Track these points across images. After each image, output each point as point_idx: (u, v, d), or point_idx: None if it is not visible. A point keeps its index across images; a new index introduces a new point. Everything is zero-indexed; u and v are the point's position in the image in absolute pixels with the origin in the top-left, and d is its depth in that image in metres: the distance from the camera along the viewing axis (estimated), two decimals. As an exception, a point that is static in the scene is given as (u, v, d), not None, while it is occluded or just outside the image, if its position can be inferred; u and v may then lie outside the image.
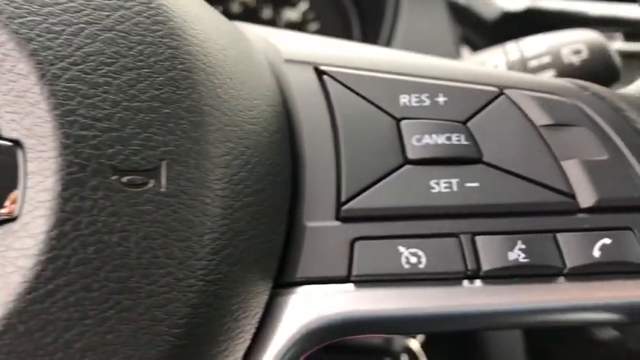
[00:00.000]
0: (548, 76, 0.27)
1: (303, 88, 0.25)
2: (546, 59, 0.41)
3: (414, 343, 0.52)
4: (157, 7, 0.20)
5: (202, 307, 0.19)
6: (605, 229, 0.23)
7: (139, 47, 0.19)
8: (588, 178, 0.23)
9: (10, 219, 0.17)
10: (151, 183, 0.18)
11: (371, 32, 0.75)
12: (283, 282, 0.23)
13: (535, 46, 0.42)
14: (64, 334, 0.16)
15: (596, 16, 0.70)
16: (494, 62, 0.43)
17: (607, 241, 0.22)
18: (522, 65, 0.42)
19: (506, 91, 0.25)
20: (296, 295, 0.22)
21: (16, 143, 0.17)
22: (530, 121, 0.24)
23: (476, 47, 0.72)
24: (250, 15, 0.81)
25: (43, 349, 0.16)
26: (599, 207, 0.23)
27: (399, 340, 0.52)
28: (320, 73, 0.25)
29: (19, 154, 0.17)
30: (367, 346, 0.55)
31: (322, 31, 0.82)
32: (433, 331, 0.49)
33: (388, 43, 0.70)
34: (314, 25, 0.82)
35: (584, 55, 0.41)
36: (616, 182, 0.23)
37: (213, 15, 0.24)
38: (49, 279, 0.16)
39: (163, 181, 0.18)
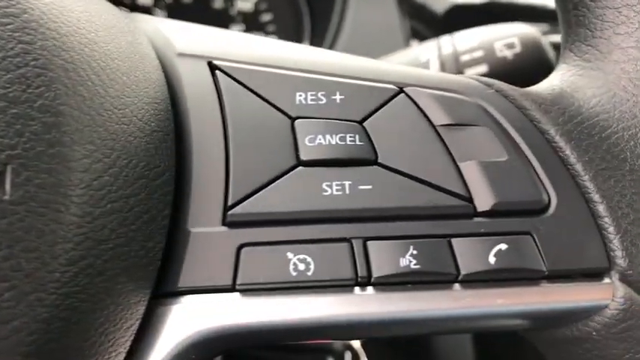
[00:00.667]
0: (458, 74, 0.26)
1: (194, 84, 0.24)
2: (479, 53, 0.41)
3: (355, 342, 0.52)
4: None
5: (56, 322, 0.17)
6: (502, 234, 0.22)
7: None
8: (486, 180, 0.22)
9: None
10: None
11: (321, 23, 0.74)
12: (165, 291, 0.21)
13: (468, 40, 0.41)
14: None
15: (548, 8, 0.70)
16: (427, 56, 0.42)
17: (503, 246, 0.22)
18: (455, 59, 0.41)
19: (405, 89, 0.24)
20: (178, 306, 0.21)
21: None
22: (429, 120, 0.23)
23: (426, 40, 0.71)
24: (202, 5, 0.79)
25: None
26: (496, 211, 0.22)
27: (339, 339, 0.51)
28: (213, 68, 0.24)
29: None
30: (310, 344, 0.54)
31: (275, 21, 0.81)
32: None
33: (336, 34, 0.69)
34: (267, 16, 0.80)
35: (518, 49, 0.40)
36: (515, 185, 0.22)
37: (94, 4, 0.23)
38: None
39: (7, 187, 0.17)
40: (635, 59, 0.23)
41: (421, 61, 0.42)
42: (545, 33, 0.67)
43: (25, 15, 0.18)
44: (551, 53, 0.42)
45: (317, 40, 0.74)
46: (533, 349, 0.26)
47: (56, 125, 0.18)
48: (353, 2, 0.68)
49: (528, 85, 0.40)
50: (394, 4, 0.68)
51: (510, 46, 0.40)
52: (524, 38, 0.40)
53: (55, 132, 0.18)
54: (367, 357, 0.51)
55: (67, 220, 0.18)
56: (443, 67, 0.41)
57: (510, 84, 0.36)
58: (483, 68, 0.40)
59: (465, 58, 0.41)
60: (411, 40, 0.70)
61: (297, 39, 0.78)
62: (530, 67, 0.40)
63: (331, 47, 0.67)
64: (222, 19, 0.80)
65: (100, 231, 0.19)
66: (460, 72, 0.41)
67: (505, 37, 0.41)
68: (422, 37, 0.71)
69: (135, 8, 0.78)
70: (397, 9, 0.68)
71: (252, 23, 0.81)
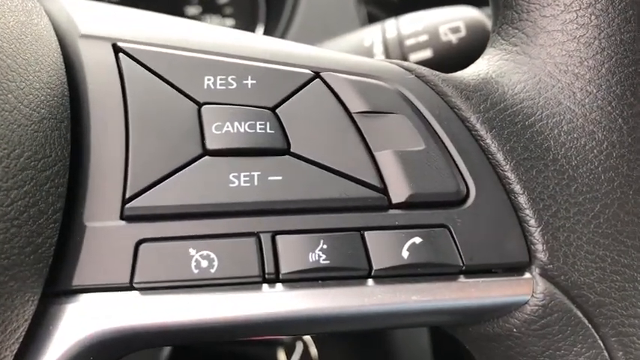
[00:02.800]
0: (374, 59, 0.25)
1: (96, 67, 0.22)
2: (423, 37, 0.39)
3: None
4: None
5: None
6: (417, 227, 0.21)
7: None
8: (402, 170, 0.21)
9: None
10: None
11: (276, 6, 0.72)
12: (58, 290, 0.20)
13: (413, 24, 0.40)
14: None
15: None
16: (370, 39, 0.41)
17: (418, 240, 0.20)
18: (399, 43, 0.40)
19: (321, 73, 0.22)
20: (73, 305, 0.20)
21: None
22: (345, 107, 0.22)
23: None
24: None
25: None
26: (411, 203, 0.21)
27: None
28: (118, 50, 0.22)
29: None
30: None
31: (232, 4, 0.79)
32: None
33: (291, 17, 0.67)
34: (224, -3, 0.78)
35: (462, 33, 0.39)
36: (432, 175, 0.21)
37: None
38: None
39: None
40: (561, 43, 0.22)
41: (365, 45, 0.41)
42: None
43: None
44: (497, 38, 0.40)
45: (272, 23, 0.73)
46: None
47: None
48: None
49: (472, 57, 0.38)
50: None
51: (455, 30, 0.39)
52: (470, 22, 0.39)
53: None
54: (316, 347, 0.50)
55: None
56: (387, 51, 0.40)
57: (455, 68, 0.34)
58: (428, 53, 0.39)
59: (409, 42, 0.40)
60: (367, 25, 0.68)
61: (252, 21, 0.76)
62: (475, 51, 0.39)
63: (285, 30, 0.65)
64: (178, 1, 0.78)
65: (16, 238, 0.17)
66: (405, 56, 0.40)
67: (450, 21, 0.39)
68: (376, 19, 0.70)
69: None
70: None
71: (208, 5, 0.79)
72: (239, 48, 0.23)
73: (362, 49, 0.41)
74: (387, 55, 0.40)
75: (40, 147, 0.19)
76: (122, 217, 0.20)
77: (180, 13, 0.77)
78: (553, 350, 0.21)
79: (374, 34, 0.41)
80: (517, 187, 0.21)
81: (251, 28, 0.76)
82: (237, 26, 0.79)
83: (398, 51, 0.40)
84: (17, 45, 0.20)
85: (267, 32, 0.73)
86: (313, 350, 0.50)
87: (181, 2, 0.78)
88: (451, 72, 0.34)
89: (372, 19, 0.69)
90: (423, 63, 0.39)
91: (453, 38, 0.39)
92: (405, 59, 0.40)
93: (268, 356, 0.53)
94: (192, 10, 0.78)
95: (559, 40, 0.22)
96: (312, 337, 0.50)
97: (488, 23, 0.40)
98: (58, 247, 0.20)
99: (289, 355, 0.52)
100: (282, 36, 0.65)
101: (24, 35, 0.21)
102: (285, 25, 0.65)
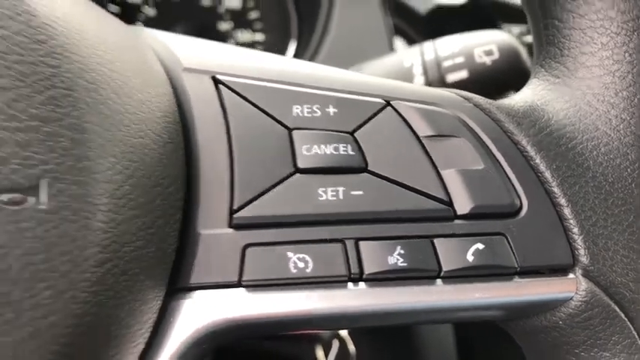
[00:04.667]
0: (437, 88, 0.29)
1: (199, 97, 0.26)
2: (460, 59, 0.43)
3: (343, 331, 0.55)
4: (38, 26, 0.20)
5: (87, 317, 0.20)
6: (479, 235, 0.24)
7: (18, 67, 0.19)
8: (465, 186, 0.25)
9: None
10: (31, 200, 0.19)
11: (308, 22, 0.76)
12: (178, 287, 0.24)
13: (449, 46, 0.44)
14: None
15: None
16: (410, 61, 0.44)
17: (480, 246, 0.24)
18: (437, 65, 0.44)
19: (392, 102, 0.26)
20: (190, 300, 0.23)
21: None
22: (414, 132, 0.26)
23: (410, 39, 0.73)
24: (190, 2, 0.80)
25: None
26: (474, 214, 0.25)
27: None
28: (217, 82, 0.26)
29: None
30: (300, 333, 0.57)
31: (262, 19, 0.82)
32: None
33: (323, 33, 0.71)
34: (254, 14, 0.82)
35: (496, 55, 0.43)
36: (490, 190, 0.25)
37: (104, 24, 0.25)
38: None
39: (44, 198, 0.19)
40: (598, 76, 0.26)
41: (405, 66, 0.44)
42: (524, 34, 0.70)
43: (53, 41, 0.20)
44: (527, 59, 0.44)
45: (304, 38, 0.76)
46: (509, 337, 0.29)
47: (82, 142, 0.20)
48: (339, 2, 0.70)
49: (506, 89, 0.42)
50: (378, 4, 0.70)
51: (489, 52, 0.43)
52: (502, 45, 0.43)
53: (81, 148, 0.20)
54: (354, 344, 0.53)
55: (95, 226, 0.20)
56: (426, 72, 0.44)
57: (489, 88, 0.38)
58: (464, 74, 0.43)
59: (446, 63, 0.43)
60: (394, 38, 0.72)
61: (284, 37, 0.80)
62: (507, 72, 0.43)
63: (318, 46, 0.69)
64: (210, 17, 0.81)
65: (123, 235, 0.21)
66: (442, 77, 0.43)
67: (484, 45, 0.43)
68: (405, 35, 0.74)
69: (124, 5, 0.79)
70: (381, 8, 0.70)
71: (239, 21, 0.82)
72: (321, 80, 0.27)
73: (402, 69, 0.44)
74: (426, 75, 0.44)
75: (165, 167, 0.23)
76: (230, 226, 0.24)
77: (213, 28, 0.81)
78: (594, 340, 0.25)
79: (413, 56, 0.44)
80: (562, 201, 0.25)
81: (283, 43, 0.79)
82: (267, 41, 0.82)
83: (436, 72, 0.43)
84: (141, 80, 0.24)
85: (299, 47, 0.77)
86: (351, 347, 0.54)
87: (214, 18, 0.82)
88: (486, 90, 0.38)
89: (397, 30, 0.73)
90: (460, 83, 0.43)
91: (487, 60, 0.43)
92: (443, 79, 0.43)
93: (307, 353, 0.56)
94: (225, 25, 0.82)
95: (597, 74, 0.26)
96: (349, 334, 0.54)
97: (519, 46, 0.44)
98: (177, 252, 0.24)
99: (327, 351, 0.55)
100: (316, 50, 0.69)
101: (144, 71, 0.25)
102: (318, 41, 0.69)
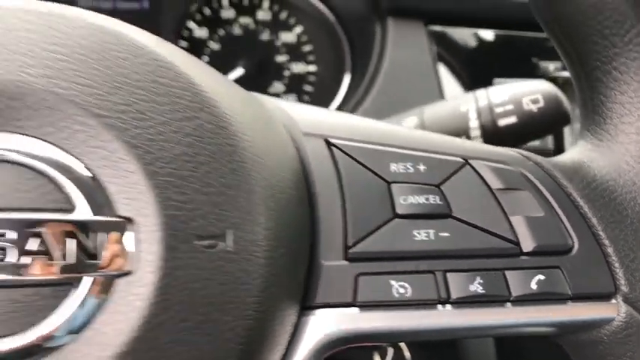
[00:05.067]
0: (503, 148, 0.35)
1: (317, 157, 0.33)
2: (509, 107, 0.50)
3: (400, 340, 0.61)
4: (220, 115, 0.27)
5: (255, 329, 0.27)
6: (540, 268, 0.31)
7: (210, 147, 0.27)
8: (529, 229, 0.32)
9: (129, 273, 0.25)
10: (222, 245, 0.26)
11: (361, 56, 0.83)
12: (306, 306, 0.31)
13: (500, 95, 0.51)
14: (169, 351, 0.25)
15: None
16: (466, 107, 0.51)
17: (541, 277, 0.31)
18: (490, 110, 0.50)
19: (470, 161, 0.33)
20: (315, 317, 0.31)
21: (129, 220, 0.25)
22: (488, 185, 0.32)
23: (451, 66, 0.79)
24: (251, 37, 0.88)
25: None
26: (536, 251, 0.31)
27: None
28: (329, 144, 0.33)
29: (132, 227, 0.25)
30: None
31: (315, 53, 0.90)
32: (415, 340, 0.58)
33: (377, 68, 0.77)
34: (308, 47, 0.89)
35: (541, 104, 0.49)
36: (549, 233, 0.32)
37: (249, 102, 0.32)
38: (157, 315, 0.24)
39: (230, 243, 0.26)
40: (635, 142, 0.33)
41: (462, 110, 0.51)
42: (558, 69, 0.76)
43: (232, 127, 0.28)
44: (567, 105, 0.51)
45: (358, 72, 0.83)
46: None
47: (253, 201, 0.27)
48: (390, 39, 0.77)
49: (550, 131, 0.49)
50: (426, 39, 0.77)
51: (535, 101, 0.49)
52: (547, 95, 0.50)
53: (252, 205, 0.27)
54: (410, 352, 0.60)
55: (261, 262, 0.27)
56: (480, 117, 0.51)
57: (535, 130, 0.45)
58: (513, 119, 0.50)
59: (498, 110, 0.50)
60: (438, 66, 0.78)
61: (339, 69, 0.87)
62: (551, 117, 0.49)
63: (373, 77, 0.76)
64: (268, 50, 0.89)
65: (276, 268, 0.28)
66: (494, 121, 0.50)
67: (531, 94, 0.50)
68: (448, 64, 0.80)
69: (191, 41, 0.87)
70: (428, 42, 0.77)
71: (294, 54, 0.90)
72: (412, 141, 0.34)
73: (460, 113, 0.51)
74: (480, 119, 0.50)
75: (299, 215, 0.30)
76: (345, 259, 0.31)
77: (271, 61, 0.89)
78: (632, 352, 0.31)
79: (468, 102, 0.51)
80: (606, 242, 0.32)
81: (338, 76, 0.87)
82: (320, 72, 0.90)
83: (489, 117, 0.50)
84: (279, 147, 0.31)
85: (353, 80, 0.84)
86: (407, 354, 0.60)
87: (272, 51, 0.89)
88: (533, 132, 0.45)
89: (440, 57, 0.78)
90: (510, 126, 0.49)
91: (534, 107, 0.49)
92: (495, 123, 0.50)
93: (365, 359, 0.63)
94: (281, 58, 0.89)
95: (634, 139, 0.33)
96: (405, 343, 0.61)
97: (561, 95, 0.51)
98: (306, 278, 0.31)
99: (383, 357, 0.62)
100: (371, 83, 0.75)
101: (278, 137, 0.32)
102: (372, 74, 0.76)
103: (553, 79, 0.69)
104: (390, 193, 0.32)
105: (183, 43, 0.85)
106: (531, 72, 0.74)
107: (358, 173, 0.33)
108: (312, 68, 0.90)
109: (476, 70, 0.75)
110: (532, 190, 0.33)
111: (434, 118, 0.52)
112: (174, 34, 0.84)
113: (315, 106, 0.37)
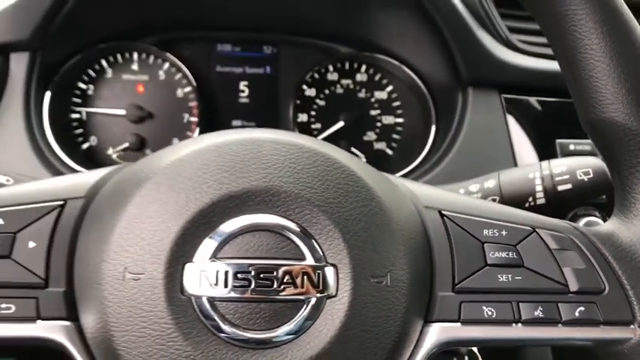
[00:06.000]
0: (557, 220, 0.52)
1: (434, 223, 0.50)
2: (566, 176, 0.66)
3: (475, 348, 0.78)
4: (381, 203, 0.46)
5: (399, 334, 0.45)
6: (582, 302, 0.48)
7: (377, 221, 0.45)
8: (574, 277, 0.48)
9: (334, 296, 0.43)
10: (385, 281, 0.44)
11: (444, 111, 1.00)
12: (427, 321, 0.48)
13: (560, 166, 0.67)
14: (353, 342, 0.43)
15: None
16: (533, 174, 0.68)
17: (582, 308, 0.47)
18: (551, 178, 0.67)
19: (536, 229, 0.50)
20: (432, 328, 0.48)
21: (334, 265, 0.44)
22: (547, 246, 0.49)
23: (522, 125, 0.95)
24: (350, 95, 1.07)
25: None
26: (579, 291, 0.48)
27: (463, 346, 0.79)
28: (442, 215, 0.51)
29: (336, 269, 0.44)
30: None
31: (403, 108, 1.07)
32: (497, 347, 0.75)
33: (459, 125, 0.94)
34: (397, 103, 1.07)
35: (591, 175, 0.66)
36: (588, 279, 0.48)
37: (392, 187, 0.50)
38: (347, 323, 0.43)
39: (388, 280, 0.44)
40: None
41: (529, 177, 0.68)
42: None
43: (385, 205, 0.46)
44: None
45: (443, 123, 1.00)
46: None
47: (400, 255, 0.45)
48: (470, 105, 0.93)
49: (599, 195, 0.66)
50: (500, 105, 0.93)
51: (586, 173, 0.66)
52: (596, 169, 0.66)
53: (400, 257, 0.45)
54: (481, 357, 0.77)
55: (404, 292, 0.45)
56: (543, 182, 0.67)
57: (587, 195, 0.62)
58: (569, 186, 0.66)
59: (557, 178, 0.66)
60: (509, 125, 0.94)
61: (425, 122, 1.05)
62: (599, 186, 0.65)
63: (454, 137, 0.92)
64: (364, 105, 1.07)
65: (412, 296, 0.46)
66: (554, 186, 0.66)
67: (584, 167, 0.66)
68: (519, 123, 0.95)
69: (303, 98, 1.06)
70: (501, 107, 0.93)
71: (385, 108, 1.08)
72: (499, 213, 0.51)
73: (527, 179, 0.68)
74: (543, 184, 0.67)
75: (424, 262, 0.48)
76: (453, 291, 0.48)
77: (367, 114, 1.07)
78: (644, 362, 0.47)
79: (535, 171, 0.68)
80: (627, 287, 0.48)
81: (425, 128, 1.04)
82: (407, 124, 1.07)
83: (550, 183, 0.67)
84: (410, 215, 0.49)
85: (438, 131, 1.01)
86: (479, 358, 0.77)
87: (367, 106, 1.08)
88: (585, 196, 0.61)
89: (509, 111, 0.94)
90: (566, 191, 0.66)
91: (585, 178, 0.66)
92: (555, 188, 0.67)
93: (445, 363, 0.80)
94: (374, 112, 1.07)
95: None
96: (478, 351, 0.78)
97: (607, 169, 0.66)
98: (427, 302, 0.48)
99: (461, 362, 0.79)
100: (453, 140, 0.92)
101: (409, 209, 0.50)
102: (454, 133, 0.93)
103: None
104: (483, 250, 0.49)
105: (297, 101, 1.05)
106: (587, 135, 0.89)
107: (462, 235, 0.50)
108: (399, 120, 1.07)
109: (541, 131, 0.91)
110: (578, 250, 0.49)
111: (508, 182, 0.69)
112: (290, 92, 1.04)
113: (430, 185, 0.55)
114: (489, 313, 0.47)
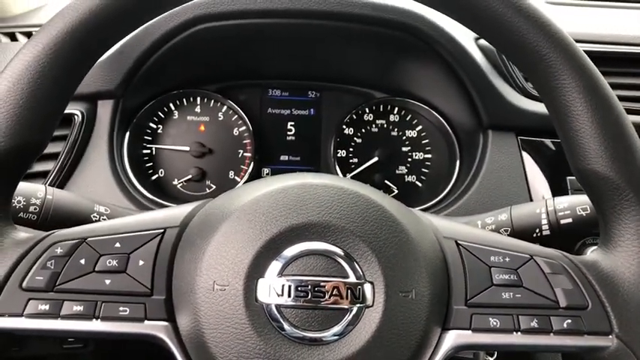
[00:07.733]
0: (551, 249, 0.64)
1: (451, 250, 0.63)
2: (567, 212, 0.78)
3: (493, 355, 0.90)
4: (409, 235, 0.59)
5: (422, 340, 0.57)
6: (569, 316, 0.59)
7: (404, 248, 0.58)
8: (563, 295, 0.60)
9: (371, 306, 0.56)
10: (410, 295, 0.57)
11: (467, 150, 1.12)
12: (444, 328, 0.61)
13: (562, 203, 0.79)
14: (384, 346, 0.56)
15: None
16: (539, 209, 0.80)
17: (569, 321, 0.59)
18: (555, 213, 0.79)
19: (534, 257, 0.62)
20: (448, 335, 0.60)
21: (371, 282, 0.57)
22: (543, 271, 0.61)
23: (536, 162, 1.07)
24: (384, 133, 1.20)
25: None
26: (567, 307, 0.60)
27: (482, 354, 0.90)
28: (458, 244, 0.63)
29: (372, 285, 0.57)
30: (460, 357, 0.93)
31: (431, 144, 1.20)
32: (498, 350, 0.87)
33: (480, 163, 1.06)
34: (425, 140, 1.20)
35: (589, 211, 0.78)
36: (574, 297, 0.60)
37: (417, 220, 0.63)
38: (381, 328, 0.56)
39: (413, 295, 0.57)
40: (628, 253, 0.60)
41: (536, 212, 0.80)
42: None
43: (412, 236, 0.59)
44: (608, 212, 0.78)
45: (467, 158, 1.12)
46: None
47: (423, 274, 0.58)
48: (490, 145, 1.05)
49: (596, 227, 0.77)
50: (516, 145, 1.05)
51: (585, 209, 0.77)
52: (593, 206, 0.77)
53: (423, 276, 0.58)
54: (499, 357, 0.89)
55: (426, 305, 0.58)
56: (548, 216, 0.79)
57: (586, 228, 0.75)
58: (570, 220, 0.77)
59: (560, 213, 0.78)
60: (525, 163, 1.06)
61: (451, 158, 1.17)
62: (595, 221, 0.77)
63: (475, 174, 1.05)
64: (397, 143, 1.20)
65: (433, 308, 0.58)
66: (558, 220, 0.78)
67: (583, 204, 0.78)
68: (534, 160, 1.07)
69: (341, 137, 1.20)
70: (518, 148, 1.05)
71: (415, 145, 1.21)
72: (502, 243, 0.63)
73: (535, 214, 0.80)
74: (548, 218, 0.79)
75: (442, 281, 0.61)
76: (465, 305, 0.61)
77: (399, 151, 1.20)
78: (620, 366, 0.59)
79: (542, 207, 0.80)
80: (607, 304, 0.59)
81: (451, 163, 1.16)
82: (434, 159, 1.20)
83: (554, 217, 0.78)
84: (433, 244, 0.62)
85: (462, 166, 1.13)
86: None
87: (399, 143, 1.21)
88: (586, 228, 0.74)
89: (524, 148, 1.06)
90: (568, 224, 0.78)
91: (584, 214, 0.77)
92: (558, 222, 0.78)
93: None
94: (405, 149, 1.20)
95: (627, 252, 0.60)
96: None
97: (603, 205, 0.78)
98: (445, 314, 0.61)
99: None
100: (474, 176, 1.04)
101: (431, 238, 0.63)
102: (476, 170, 1.05)
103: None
104: (490, 272, 0.62)
105: (337, 138, 1.19)
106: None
107: (473, 260, 0.63)
108: (427, 156, 1.20)
109: (554, 169, 1.02)
110: (567, 274, 0.61)
111: (518, 216, 0.81)
112: (331, 131, 1.18)
113: (449, 218, 0.68)
114: (495, 323, 0.60)
